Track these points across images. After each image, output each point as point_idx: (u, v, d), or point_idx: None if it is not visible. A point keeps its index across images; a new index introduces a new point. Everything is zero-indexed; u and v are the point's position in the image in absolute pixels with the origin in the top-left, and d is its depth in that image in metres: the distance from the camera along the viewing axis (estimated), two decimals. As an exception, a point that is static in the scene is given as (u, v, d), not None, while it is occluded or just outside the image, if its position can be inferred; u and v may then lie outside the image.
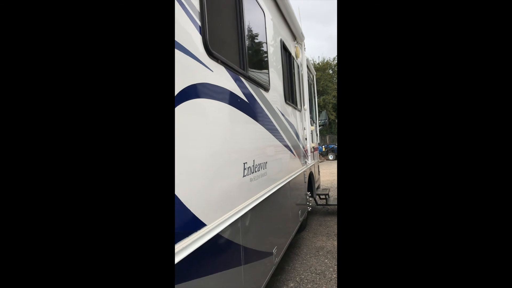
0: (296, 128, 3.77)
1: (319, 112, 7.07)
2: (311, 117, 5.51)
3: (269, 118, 2.53)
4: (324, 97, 24.48)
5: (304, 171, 4.20)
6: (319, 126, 6.79)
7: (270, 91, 2.59)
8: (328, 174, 11.87)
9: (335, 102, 24.48)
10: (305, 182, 4.29)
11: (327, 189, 5.95)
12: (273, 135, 2.64)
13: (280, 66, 3.13)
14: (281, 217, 2.80)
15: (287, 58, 3.64)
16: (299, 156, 3.88)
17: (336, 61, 26.65)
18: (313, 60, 27.67)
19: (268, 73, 2.59)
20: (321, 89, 24.59)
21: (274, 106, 2.71)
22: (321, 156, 19.53)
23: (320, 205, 5.67)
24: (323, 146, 20.50)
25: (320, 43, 57.38)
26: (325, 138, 24.43)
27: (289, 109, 3.44)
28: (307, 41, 5.94)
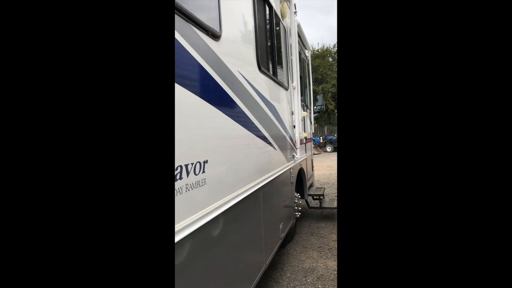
0: (279, 111, 2.76)
1: (315, 96, 6.02)
2: (303, 100, 4.48)
3: (220, 88, 1.51)
4: (323, 85, 23.36)
5: (290, 169, 3.21)
6: (315, 112, 5.77)
7: (223, 40, 1.56)
8: (325, 167, 10.89)
9: (334, 91, 23.38)
10: (291, 182, 3.30)
11: (321, 188, 4.97)
12: (231, 117, 1.63)
13: (249, 14, 2.09)
14: (242, 247, 1.80)
15: (266, 12, 2.60)
16: (283, 149, 2.87)
17: (336, 48, 25.47)
18: (312, 47, 26.39)
19: (219, 9, 1.55)
20: (320, 77, 23.45)
21: (233, 69, 1.69)
22: (318, 147, 18.60)
23: (312, 207, 4.70)
24: (321, 137, 19.55)
25: (320, 33, 55.79)
26: (323, 129, 23.45)
27: (266, 82, 2.41)
28: (307, 31, 4.88)
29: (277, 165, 2.64)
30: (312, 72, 6.11)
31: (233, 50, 1.73)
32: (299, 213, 3.75)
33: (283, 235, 2.78)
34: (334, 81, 23.63)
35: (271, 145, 2.44)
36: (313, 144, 20.26)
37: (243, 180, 1.78)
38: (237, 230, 1.70)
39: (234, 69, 1.70)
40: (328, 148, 18.79)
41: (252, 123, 1.97)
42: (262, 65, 2.28)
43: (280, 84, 2.90)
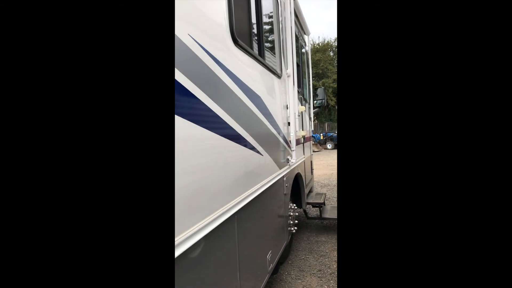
0: (267, 103, 2.10)
1: (315, 90, 5.32)
2: (301, 93, 3.81)
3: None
4: (324, 80, 22.64)
5: (284, 177, 2.55)
6: (314, 107, 5.09)
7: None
8: (325, 166, 10.24)
9: (335, 86, 22.68)
10: (285, 194, 2.64)
11: (321, 194, 4.31)
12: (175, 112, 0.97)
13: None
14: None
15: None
16: (272, 153, 2.22)
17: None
18: (312, 41, 25.56)
19: None
20: (320, 71, 22.73)
21: (179, 32, 1.02)
22: (318, 145, 17.94)
23: (311, 218, 4.05)
24: (321, 134, 18.89)
25: (322, 29, 54.88)
26: (324, 125, 22.79)
27: (246, 63, 1.75)
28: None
29: (263, 176, 1.98)
30: (312, 67, 5.47)
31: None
32: (296, 228, 3.11)
33: (272, 266, 2.13)
34: (335, 76, 22.90)
35: (254, 149, 1.78)
36: (313, 141, 19.55)
37: (197, 211, 1.12)
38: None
39: (180, 32, 1.04)
40: (329, 145, 18.12)
41: (219, 118, 1.31)
42: (240, 38, 1.61)
43: (269, 69, 2.23)
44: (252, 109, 1.77)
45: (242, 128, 1.57)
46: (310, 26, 4.61)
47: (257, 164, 1.85)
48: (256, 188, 1.77)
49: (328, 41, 25.34)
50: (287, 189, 2.68)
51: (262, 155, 1.95)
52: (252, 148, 1.74)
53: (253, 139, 1.75)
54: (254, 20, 2.01)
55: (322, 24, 55.97)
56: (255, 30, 2.03)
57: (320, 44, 24.85)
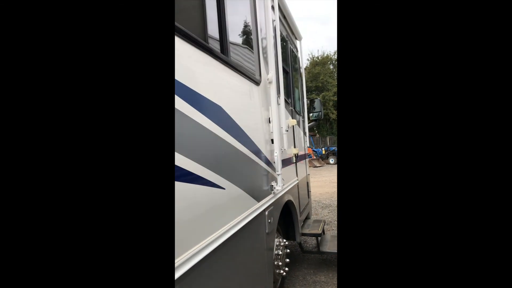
0: (234, 116, 1.55)
1: (311, 102, 4.75)
2: (290, 103, 3.26)
3: None
4: (324, 93, 22.26)
5: (266, 210, 1.97)
6: (310, 121, 4.53)
7: None
8: (327, 183, 9.57)
9: (336, 99, 22.28)
10: (267, 232, 2.05)
11: (320, 221, 3.69)
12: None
13: None
14: None
15: None
16: (245, 184, 1.65)
17: (336, 56, 24.73)
18: (312, 54, 25.40)
19: None
20: (320, 85, 22.38)
21: None
22: (320, 159, 17.32)
23: (307, 252, 3.43)
24: (323, 148, 18.29)
25: (319, 42, 55.26)
26: (326, 140, 22.23)
27: (194, 57, 1.21)
28: (305, 42, 3.72)
29: (225, 219, 1.39)
30: (312, 80, 4.98)
31: None
32: (287, 268, 2.50)
33: None
34: (336, 89, 22.60)
35: (205, 182, 1.22)
36: (315, 156, 18.78)
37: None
38: None
39: None
40: (331, 160, 17.48)
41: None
42: (180, 21, 1.08)
43: (240, 71, 1.69)
44: (203, 124, 1.22)
45: (186, 157, 1.00)
46: (307, 40, 4.12)
47: (212, 204, 1.27)
48: (208, 242, 1.19)
49: (327, 55, 25.14)
50: (270, 226, 2.08)
51: (224, 188, 1.38)
52: (200, 180, 1.17)
53: (203, 167, 1.19)
54: (211, 3, 1.48)
55: (320, 38, 56.33)
56: (213, 16, 1.50)
57: (319, 57, 24.64)
